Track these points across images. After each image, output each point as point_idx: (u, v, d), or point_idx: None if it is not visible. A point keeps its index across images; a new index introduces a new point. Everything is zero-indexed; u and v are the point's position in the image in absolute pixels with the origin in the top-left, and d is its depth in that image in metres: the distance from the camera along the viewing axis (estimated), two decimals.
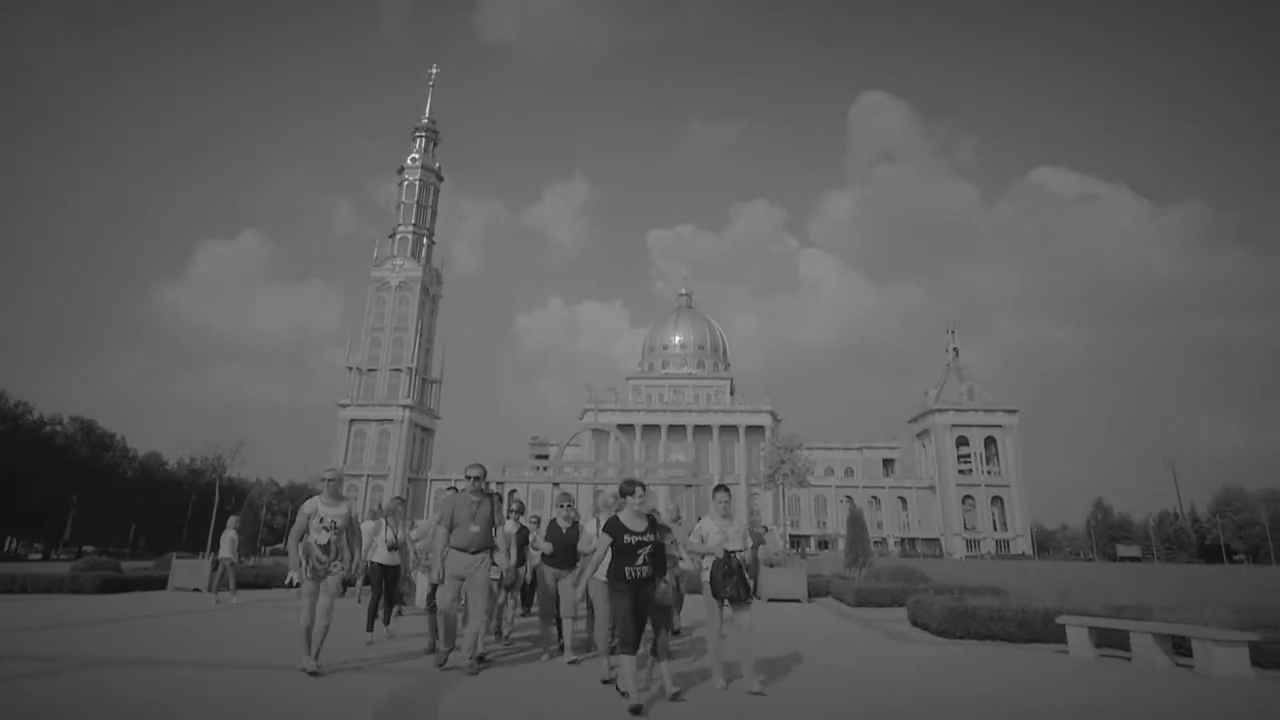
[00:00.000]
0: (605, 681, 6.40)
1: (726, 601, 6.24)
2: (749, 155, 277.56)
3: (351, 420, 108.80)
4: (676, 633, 9.08)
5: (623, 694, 5.57)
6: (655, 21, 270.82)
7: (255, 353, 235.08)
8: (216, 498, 45.06)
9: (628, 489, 6.00)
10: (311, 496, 7.11)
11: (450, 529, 7.01)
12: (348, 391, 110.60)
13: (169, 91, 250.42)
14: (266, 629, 10.39)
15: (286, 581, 7.22)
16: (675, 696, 5.75)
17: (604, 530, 5.97)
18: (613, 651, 6.48)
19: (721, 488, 6.66)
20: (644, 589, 5.80)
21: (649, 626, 6.16)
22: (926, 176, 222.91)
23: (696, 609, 8.32)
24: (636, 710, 5.21)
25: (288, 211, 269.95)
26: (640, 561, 5.79)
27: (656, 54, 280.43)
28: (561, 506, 8.30)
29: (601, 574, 6.55)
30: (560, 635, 8.17)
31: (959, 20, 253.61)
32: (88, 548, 69.49)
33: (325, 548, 6.80)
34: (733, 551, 6.20)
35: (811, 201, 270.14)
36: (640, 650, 6.30)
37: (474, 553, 6.94)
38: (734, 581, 6.13)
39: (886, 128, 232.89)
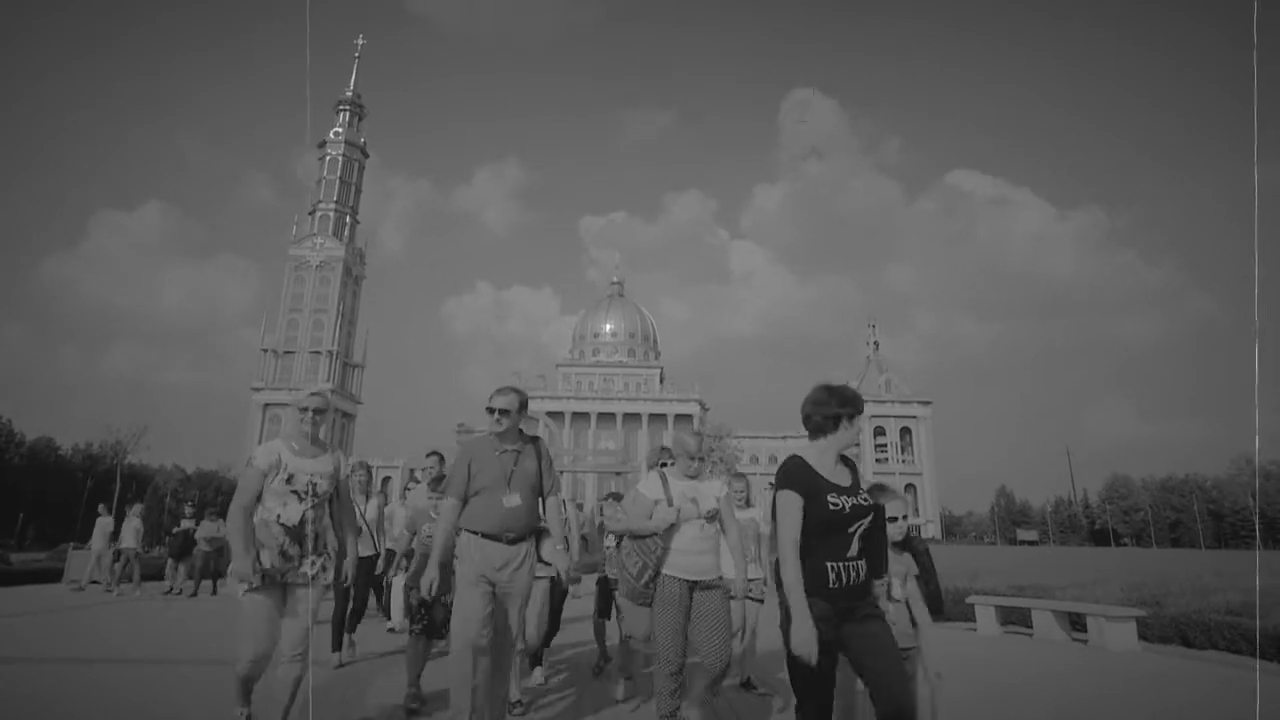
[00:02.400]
0: None
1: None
2: (683, 145, 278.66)
3: (266, 405, 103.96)
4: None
5: None
6: (593, 5, 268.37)
7: (160, 331, 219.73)
8: (117, 485, 42.55)
9: (831, 407, 2.97)
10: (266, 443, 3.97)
11: (464, 500, 4.01)
12: (262, 374, 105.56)
13: (66, 47, 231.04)
14: (178, 621, 9.89)
15: (237, 589, 3.68)
16: None
17: (785, 487, 2.81)
18: (675, 697, 3.97)
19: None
20: (858, 609, 2.78)
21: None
22: (853, 173, 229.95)
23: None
24: None
25: (196, 182, 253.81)
26: (852, 552, 2.78)
27: (594, 37, 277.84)
28: (660, 464, 5.27)
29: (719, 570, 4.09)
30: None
31: (886, 23, 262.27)
32: None
33: (295, 530, 3.78)
34: (915, 529, 3.63)
35: (743, 194, 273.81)
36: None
37: (512, 541, 3.98)
38: (922, 582, 3.45)
39: (816, 124, 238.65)
